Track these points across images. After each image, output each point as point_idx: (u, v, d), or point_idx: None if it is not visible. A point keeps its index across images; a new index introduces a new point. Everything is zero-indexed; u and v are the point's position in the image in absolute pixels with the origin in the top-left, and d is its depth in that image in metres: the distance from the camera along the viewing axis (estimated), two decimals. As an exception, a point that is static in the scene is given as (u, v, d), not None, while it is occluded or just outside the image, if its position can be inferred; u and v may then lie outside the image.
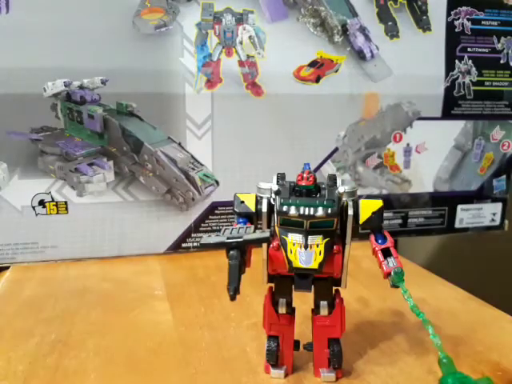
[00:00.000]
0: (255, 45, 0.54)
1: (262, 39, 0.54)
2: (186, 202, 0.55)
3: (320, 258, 0.27)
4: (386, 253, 0.29)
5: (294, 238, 0.28)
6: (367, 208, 0.29)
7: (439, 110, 0.61)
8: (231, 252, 0.26)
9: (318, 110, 0.57)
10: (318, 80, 0.56)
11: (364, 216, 0.29)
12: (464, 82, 0.61)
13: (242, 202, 0.30)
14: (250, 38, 0.54)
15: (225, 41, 0.53)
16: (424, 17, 0.59)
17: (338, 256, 0.29)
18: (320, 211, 0.27)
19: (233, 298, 0.25)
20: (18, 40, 0.48)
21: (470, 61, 0.61)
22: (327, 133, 0.58)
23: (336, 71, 0.57)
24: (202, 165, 0.54)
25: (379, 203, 0.29)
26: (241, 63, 0.54)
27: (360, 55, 0.57)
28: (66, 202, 0.52)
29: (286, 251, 0.28)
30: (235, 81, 0.54)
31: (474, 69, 0.61)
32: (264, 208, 0.29)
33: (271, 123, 0.55)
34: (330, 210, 0.27)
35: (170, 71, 0.52)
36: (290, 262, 0.28)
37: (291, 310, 0.31)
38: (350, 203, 0.29)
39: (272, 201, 0.29)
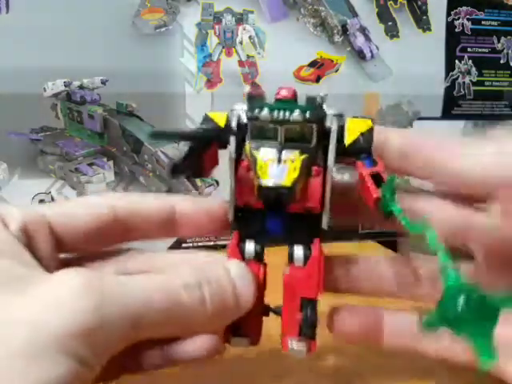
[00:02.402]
0: (255, 45, 0.54)
1: (262, 39, 0.54)
2: (186, 202, 0.55)
3: (294, 174, 0.22)
4: (376, 180, 0.23)
5: (265, 153, 0.22)
6: (354, 128, 0.24)
7: (439, 110, 0.61)
8: (182, 143, 0.22)
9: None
10: (318, 80, 0.56)
11: (351, 137, 0.24)
12: (464, 82, 0.61)
13: (211, 119, 0.25)
14: (250, 37, 0.54)
15: (225, 41, 0.53)
16: (424, 17, 0.59)
17: (316, 180, 0.23)
18: (297, 114, 0.22)
19: (172, 173, 0.21)
20: (18, 40, 0.48)
21: (470, 61, 0.61)
22: (327, 133, 0.58)
23: (336, 71, 0.57)
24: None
25: (369, 123, 0.24)
26: (241, 63, 0.54)
27: (360, 55, 0.57)
28: (65, 202, 0.52)
29: (254, 168, 0.22)
30: (235, 81, 0.54)
31: (473, 69, 0.61)
32: (233, 122, 0.24)
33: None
34: (308, 114, 0.22)
35: (170, 71, 0.52)
36: (258, 181, 0.22)
37: (262, 259, 0.24)
38: (334, 118, 0.24)
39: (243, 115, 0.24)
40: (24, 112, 0.49)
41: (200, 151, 0.24)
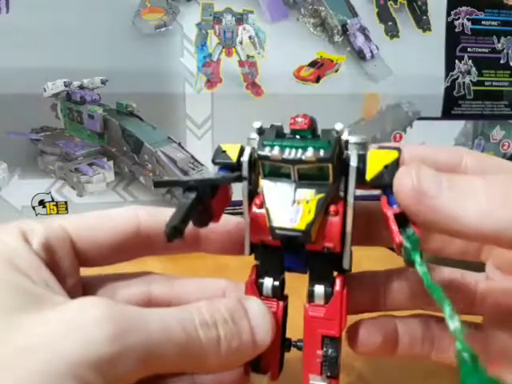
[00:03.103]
0: (255, 45, 0.54)
1: (262, 39, 0.54)
2: (186, 202, 0.55)
3: (309, 217, 0.20)
4: (401, 220, 0.21)
5: (278, 193, 0.21)
6: (378, 160, 0.22)
7: (439, 110, 0.61)
8: (186, 193, 0.20)
9: (317, 110, 0.56)
10: (318, 80, 0.56)
11: (373, 170, 0.21)
12: (464, 82, 0.61)
13: (224, 151, 0.23)
14: (250, 38, 0.54)
15: (225, 41, 0.53)
16: (424, 17, 0.59)
17: (335, 220, 0.21)
18: (310, 153, 0.21)
19: (169, 237, 0.19)
20: (18, 40, 0.48)
21: (470, 61, 0.61)
22: (327, 133, 0.58)
23: (336, 71, 0.57)
24: (202, 165, 0.54)
25: (394, 154, 0.22)
26: (241, 63, 0.54)
27: (360, 55, 0.57)
28: (66, 202, 0.52)
29: (267, 208, 0.21)
30: (235, 81, 0.54)
31: (474, 69, 0.61)
32: (245, 157, 0.23)
33: (271, 123, 0.55)
34: (322, 152, 0.20)
35: (170, 71, 0.52)
36: (270, 221, 0.21)
37: (281, 296, 0.24)
38: (354, 152, 0.22)
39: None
40: (24, 112, 0.49)
41: (205, 200, 0.21)
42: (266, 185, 0.22)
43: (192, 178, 0.21)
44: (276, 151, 0.21)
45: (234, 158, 0.23)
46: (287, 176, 0.21)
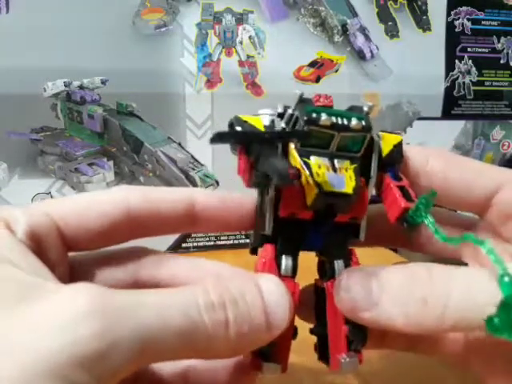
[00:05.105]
0: (255, 45, 0.54)
1: (262, 39, 0.54)
2: (186, 202, 0.55)
3: (353, 183, 0.21)
4: (403, 193, 0.22)
5: (318, 160, 0.21)
6: (389, 140, 0.24)
7: (439, 110, 0.61)
8: (260, 147, 0.20)
9: (318, 109, 0.57)
10: (318, 80, 0.56)
11: (386, 148, 0.24)
12: (464, 82, 0.61)
13: (245, 121, 0.22)
14: (250, 38, 0.54)
15: (225, 41, 0.53)
16: (424, 17, 0.59)
17: (365, 191, 0.22)
18: (354, 122, 0.21)
19: (286, 180, 0.19)
20: (18, 40, 0.48)
21: (470, 61, 0.61)
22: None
23: (336, 71, 0.57)
24: (202, 165, 0.54)
25: (399, 138, 0.24)
26: (241, 63, 0.54)
27: (360, 55, 0.57)
28: (66, 202, 0.52)
29: (311, 174, 0.21)
30: (235, 81, 0.54)
31: (474, 69, 0.61)
32: (281, 124, 0.23)
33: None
34: (364, 122, 0.22)
35: (170, 71, 0.52)
36: (318, 185, 0.20)
37: (294, 276, 0.23)
38: (374, 132, 0.23)
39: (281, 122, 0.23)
40: (24, 112, 0.49)
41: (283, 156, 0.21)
42: (302, 154, 0.21)
43: (265, 132, 0.21)
44: (325, 117, 0.21)
45: (260, 126, 0.22)
46: (321, 147, 0.21)
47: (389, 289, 0.20)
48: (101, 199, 0.22)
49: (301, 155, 0.21)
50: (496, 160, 0.65)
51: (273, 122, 0.23)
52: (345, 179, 0.21)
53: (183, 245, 0.57)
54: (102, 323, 0.16)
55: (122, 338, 0.16)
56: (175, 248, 0.56)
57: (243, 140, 0.21)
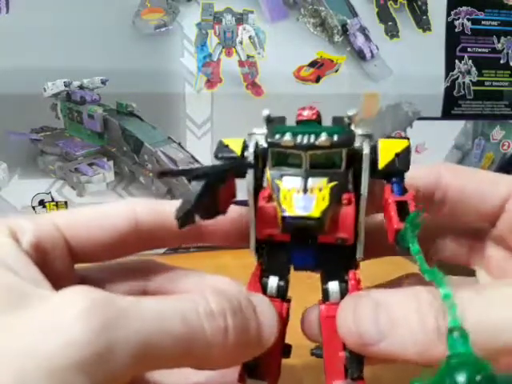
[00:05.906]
0: (255, 45, 0.54)
1: (262, 39, 0.54)
2: (186, 202, 0.55)
3: (323, 205, 0.19)
4: (402, 210, 0.20)
5: (289, 182, 0.20)
6: (389, 148, 0.21)
7: (439, 110, 0.61)
8: (194, 182, 0.19)
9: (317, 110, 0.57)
10: (318, 80, 0.56)
11: (385, 158, 0.21)
12: (464, 82, 0.61)
13: (226, 145, 0.23)
14: (250, 38, 0.54)
15: (225, 41, 0.53)
16: (424, 17, 0.59)
17: (349, 208, 0.20)
18: (323, 138, 0.20)
19: (182, 223, 0.18)
20: (18, 40, 0.48)
21: (470, 61, 0.61)
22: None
23: (336, 71, 0.57)
24: (201, 165, 0.54)
25: (405, 142, 0.21)
26: (241, 63, 0.54)
27: (360, 55, 0.57)
28: (66, 202, 0.52)
29: (278, 199, 0.20)
30: (235, 81, 0.54)
31: (474, 69, 0.61)
32: (251, 148, 0.22)
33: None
34: (336, 137, 0.20)
35: (170, 71, 0.52)
36: (281, 210, 0.20)
37: (284, 297, 0.22)
38: (366, 141, 0.22)
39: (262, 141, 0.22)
40: (24, 112, 0.49)
41: (215, 188, 0.20)
42: (274, 175, 0.21)
43: (201, 167, 0.20)
44: (288, 137, 0.20)
45: (237, 151, 0.22)
46: (297, 166, 0.21)
47: (397, 319, 0.19)
48: (109, 212, 0.22)
49: (274, 177, 0.21)
50: (496, 160, 0.65)
51: (256, 144, 0.22)
52: (315, 201, 0.20)
53: (183, 245, 0.57)
54: (98, 325, 0.15)
55: (121, 342, 0.16)
56: (175, 248, 0.56)
57: (184, 176, 0.20)
